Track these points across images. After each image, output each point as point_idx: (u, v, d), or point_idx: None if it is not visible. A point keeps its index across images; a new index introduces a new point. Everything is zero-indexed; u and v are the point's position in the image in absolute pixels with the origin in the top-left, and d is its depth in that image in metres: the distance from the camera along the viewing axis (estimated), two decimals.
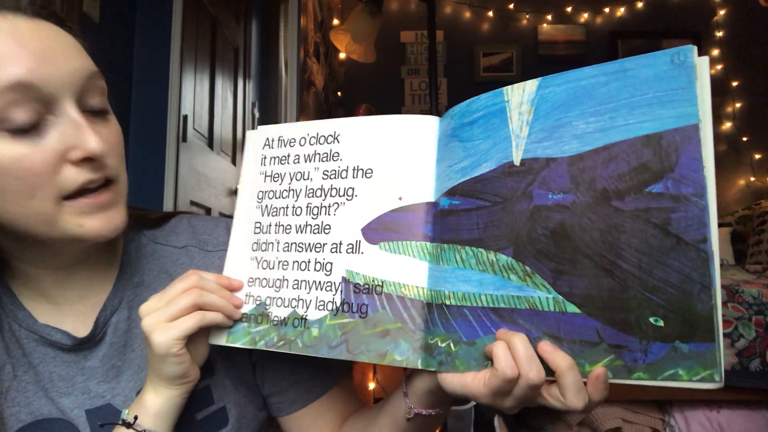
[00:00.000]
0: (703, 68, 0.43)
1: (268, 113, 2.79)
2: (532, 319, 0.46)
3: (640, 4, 3.87)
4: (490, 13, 3.94)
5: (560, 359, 0.43)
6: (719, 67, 3.79)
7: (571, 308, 0.45)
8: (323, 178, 0.58)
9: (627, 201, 0.44)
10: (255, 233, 0.60)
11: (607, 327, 0.43)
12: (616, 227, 0.44)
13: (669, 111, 0.43)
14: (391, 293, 0.53)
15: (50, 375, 0.59)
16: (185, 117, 1.95)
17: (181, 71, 1.92)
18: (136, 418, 0.55)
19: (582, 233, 0.45)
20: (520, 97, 0.50)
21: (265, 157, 0.62)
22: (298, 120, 2.58)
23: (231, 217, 0.64)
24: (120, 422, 0.55)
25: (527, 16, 3.93)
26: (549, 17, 3.92)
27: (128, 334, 0.62)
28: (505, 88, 0.51)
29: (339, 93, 3.79)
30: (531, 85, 0.50)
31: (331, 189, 0.58)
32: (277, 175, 0.61)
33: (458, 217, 0.51)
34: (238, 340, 0.57)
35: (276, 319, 0.57)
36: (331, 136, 0.59)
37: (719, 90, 3.77)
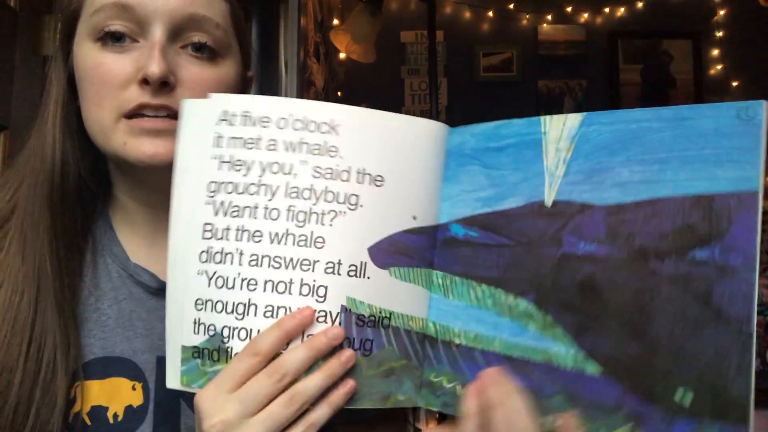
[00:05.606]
0: None
1: None
2: (548, 374, 0.43)
3: (640, 4, 3.87)
4: (490, 13, 3.93)
5: None
6: (719, 67, 3.79)
7: (592, 368, 0.41)
8: (314, 176, 0.46)
9: (666, 263, 0.40)
10: (204, 238, 0.46)
11: (630, 394, 0.40)
12: (650, 290, 0.40)
13: (727, 172, 0.39)
14: (398, 327, 0.47)
15: (130, 314, 0.59)
16: None
17: None
18: None
19: (612, 290, 0.41)
20: (559, 131, 0.46)
21: (221, 137, 0.47)
22: None
23: None
24: None
25: (527, 16, 3.93)
26: (549, 17, 3.91)
27: None
28: (543, 117, 0.47)
29: (339, 93, 3.79)
30: (573, 120, 0.45)
31: (327, 192, 0.46)
32: (240, 163, 0.47)
33: (475, 251, 0.47)
34: (193, 381, 0.46)
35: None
36: (326, 124, 0.47)
37: (719, 90, 3.76)
